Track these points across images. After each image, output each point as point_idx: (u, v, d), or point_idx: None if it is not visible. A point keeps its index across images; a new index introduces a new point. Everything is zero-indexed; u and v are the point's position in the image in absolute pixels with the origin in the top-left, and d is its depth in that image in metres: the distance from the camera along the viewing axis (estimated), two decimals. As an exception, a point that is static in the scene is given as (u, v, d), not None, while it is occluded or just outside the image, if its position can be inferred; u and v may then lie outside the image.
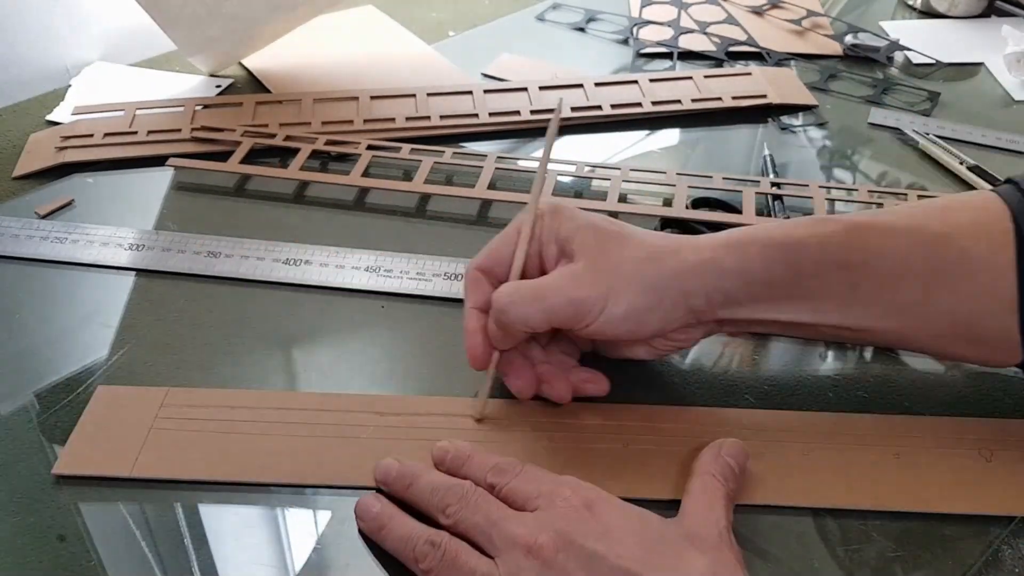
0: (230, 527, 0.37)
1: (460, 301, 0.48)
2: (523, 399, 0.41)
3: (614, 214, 0.57)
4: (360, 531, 0.36)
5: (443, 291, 0.50)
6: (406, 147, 0.61)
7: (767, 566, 0.36)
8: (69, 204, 0.57)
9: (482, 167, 0.59)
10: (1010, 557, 0.36)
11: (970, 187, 0.60)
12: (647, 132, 0.67)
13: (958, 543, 0.36)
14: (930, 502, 0.38)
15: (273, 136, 0.62)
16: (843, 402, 0.43)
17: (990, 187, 0.42)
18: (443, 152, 0.61)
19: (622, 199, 0.57)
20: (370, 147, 0.61)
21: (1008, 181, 0.40)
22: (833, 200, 0.59)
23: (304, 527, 0.37)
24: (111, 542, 0.36)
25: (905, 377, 0.45)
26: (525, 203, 0.55)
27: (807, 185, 0.58)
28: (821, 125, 0.68)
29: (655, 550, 0.32)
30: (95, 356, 0.46)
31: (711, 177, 0.59)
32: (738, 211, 0.55)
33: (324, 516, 0.37)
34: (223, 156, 0.61)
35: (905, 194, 0.58)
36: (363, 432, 0.40)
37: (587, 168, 0.60)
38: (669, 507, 0.36)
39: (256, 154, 0.62)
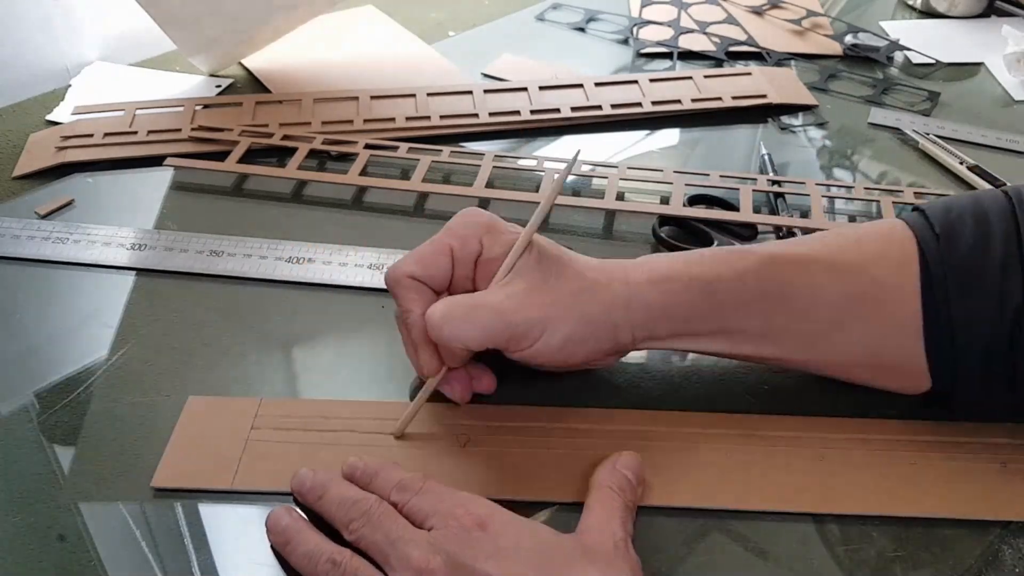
0: (230, 527, 0.38)
1: None
2: (460, 403, 0.41)
3: (612, 212, 0.57)
4: (271, 546, 0.36)
5: None
6: (404, 146, 0.61)
7: (767, 566, 0.36)
8: (69, 204, 0.57)
9: (480, 166, 0.59)
10: (1010, 557, 0.36)
11: (970, 187, 0.60)
12: (647, 132, 0.67)
13: (958, 543, 0.36)
14: (935, 506, 0.38)
15: (271, 136, 0.62)
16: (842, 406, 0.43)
17: (911, 210, 0.42)
18: (441, 151, 0.61)
19: (619, 197, 0.57)
20: (368, 146, 0.61)
21: (915, 209, 0.41)
22: (833, 198, 0.59)
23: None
24: (111, 542, 0.36)
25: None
26: (522, 201, 0.57)
27: (804, 183, 0.58)
28: (821, 125, 0.68)
29: (548, 566, 0.32)
30: (95, 356, 0.46)
31: (708, 175, 0.59)
32: (735, 208, 0.55)
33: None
34: (222, 156, 0.61)
35: (901, 190, 0.58)
36: (461, 439, 0.40)
37: (584, 167, 0.60)
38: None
39: (255, 153, 0.62)
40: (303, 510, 0.37)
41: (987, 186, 0.59)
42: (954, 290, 0.38)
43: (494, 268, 0.40)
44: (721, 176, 0.59)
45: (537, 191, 0.57)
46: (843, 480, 0.38)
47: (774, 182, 0.59)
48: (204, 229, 0.54)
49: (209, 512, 0.38)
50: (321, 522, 0.36)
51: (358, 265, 0.51)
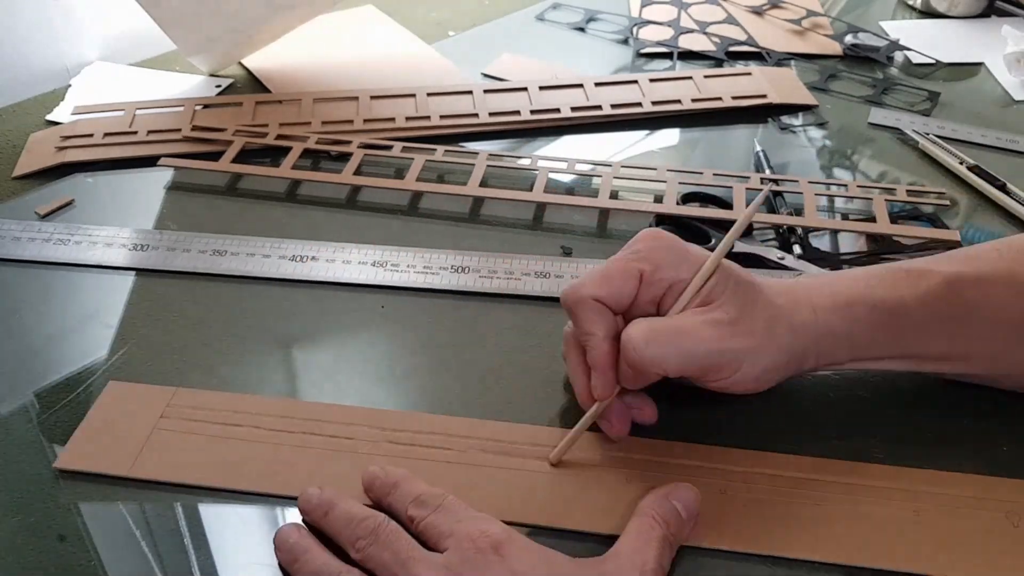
0: (230, 527, 0.37)
1: (470, 294, 0.49)
2: (615, 439, 0.40)
3: (605, 211, 0.57)
4: (279, 563, 0.35)
5: (451, 284, 0.50)
6: (398, 145, 0.62)
7: None
8: (69, 204, 0.57)
9: (474, 164, 0.59)
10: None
11: (970, 187, 0.60)
12: (647, 132, 0.67)
13: None
14: (951, 565, 0.35)
15: (264, 135, 0.62)
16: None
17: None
18: (435, 150, 0.61)
19: (613, 196, 0.57)
20: (362, 145, 0.61)
21: None
22: (827, 196, 0.59)
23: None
24: (111, 542, 0.36)
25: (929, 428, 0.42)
26: (516, 200, 0.57)
27: (797, 181, 0.58)
28: (821, 125, 0.68)
29: None
30: (95, 356, 0.46)
31: (701, 173, 0.59)
32: (729, 206, 0.55)
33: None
34: (220, 156, 0.61)
35: (894, 189, 0.58)
36: (362, 447, 0.40)
37: (578, 165, 0.60)
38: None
39: (252, 153, 0.62)
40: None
41: (987, 186, 0.59)
42: None
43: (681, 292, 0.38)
44: (715, 174, 0.59)
45: (531, 190, 0.57)
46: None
47: (767, 180, 0.59)
48: (204, 229, 0.54)
49: (209, 511, 0.38)
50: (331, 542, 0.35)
51: (361, 263, 0.52)
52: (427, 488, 0.36)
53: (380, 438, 0.40)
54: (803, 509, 0.37)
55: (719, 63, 0.77)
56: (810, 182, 0.58)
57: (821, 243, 0.55)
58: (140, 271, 0.51)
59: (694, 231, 0.54)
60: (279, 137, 0.62)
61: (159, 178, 0.60)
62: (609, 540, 0.35)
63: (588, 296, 0.38)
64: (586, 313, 0.38)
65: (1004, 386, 0.42)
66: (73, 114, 0.66)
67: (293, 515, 0.37)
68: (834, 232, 0.56)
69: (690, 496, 0.36)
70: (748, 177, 0.59)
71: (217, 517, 0.38)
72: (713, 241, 0.38)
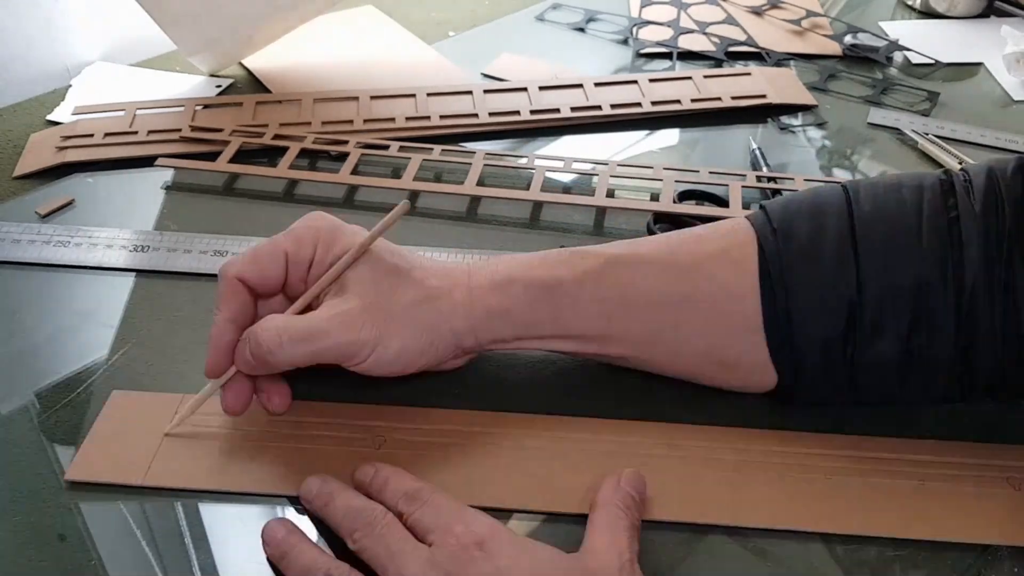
0: (230, 527, 0.38)
1: None
2: (232, 415, 0.40)
3: (602, 209, 0.57)
4: (267, 558, 0.35)
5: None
6: (395, 145, 0.62)
7: (767, 565, 0.36)
8: (69, 204, 0.57)
9: (471, 164, 0.59)
10: (1009, 557, 0.36)
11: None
12: (647, 132, 0.67)
13: (958, 544, 0.36)
14: (954, 531, 0.37)
15: (262, 135, 0.62)
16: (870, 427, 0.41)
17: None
18: (432, 149, 0.61)
19: (610, 194, 0.57)
20: (359, 145, 0.62)
21: (761, 207, 0.41)
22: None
23: (303, 527, 0.37)
24: (111, 542, 0.37)
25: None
26: (513, 199, 0.57)
27: (793, 179, 0.59)
28: (820, 125, 0.68)
29: None
30: (95, 356, 0.46)
31: (698, 171, 0.59)
32: (725, 204, 0.55)
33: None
34: (219, 156, 0.61)
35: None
36: (371, 444, 0.40)
37: (575, 164, 0.60)
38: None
39: (251, 153, 0.62)
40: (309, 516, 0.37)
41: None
42: (791, 285, 0.38)
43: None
44: (711, 172, 0.59)
45: (528, 188, 0.57)
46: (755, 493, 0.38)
47: (763, 178, 0.59)
48: (204, 229, 0.54)
49: (208, 509, 0.38)
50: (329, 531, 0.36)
51: None
52: (416, 483, 0.36)
53: (391, 434, 0.41)
54: (814, 484, 0.38)
55: (719, 63, 0.77)
56: (806, 180, 0.58)
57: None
58: (140, 272, 0.51)
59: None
60: (276, 137, 0.62)
61: (159, 178, 0.60)
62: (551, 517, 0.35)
63: (232, 274, 0.39)
64: (222, 289, 0.39)
65: (665, 372, 0.42)
66: (73, 114, 0.66)
67: (291, 512, 0.37)
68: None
69: (640, 480, 0.37)
70: (744, 175, 0.59)
71: (217, 517, 0.38)
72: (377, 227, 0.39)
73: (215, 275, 0.50)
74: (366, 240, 0.39)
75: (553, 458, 0.39)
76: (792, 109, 0.70)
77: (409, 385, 0.42)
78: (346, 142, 0.62)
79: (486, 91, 0.69)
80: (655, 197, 0.57)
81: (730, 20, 0.83)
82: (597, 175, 0.59)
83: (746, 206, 0.56)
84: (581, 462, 0.39)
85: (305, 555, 0.34)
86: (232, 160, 0.60)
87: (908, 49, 0.78)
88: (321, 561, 0.34)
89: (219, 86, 0.71)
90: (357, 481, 0.37)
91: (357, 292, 0.38)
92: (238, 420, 0.41)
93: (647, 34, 0.81)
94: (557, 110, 0.66)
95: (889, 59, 0.78)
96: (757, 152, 0.62)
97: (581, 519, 0.36)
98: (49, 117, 0.67)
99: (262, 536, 0.36)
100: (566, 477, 0.38)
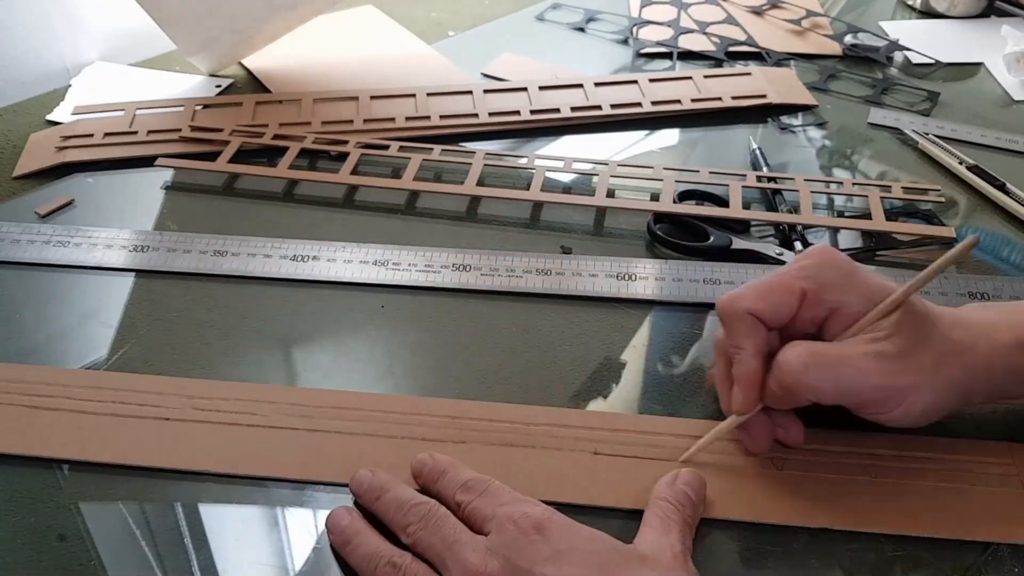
0: (230, 527, 0.38)
1: (472, 292, 0.50)
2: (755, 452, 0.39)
3: (602, 209, 0.57)
4: (331, 544, 0.36)
5: (453, 282, 0.50)
6: (395, 144, 0.62)
7: (767, 562, 0.36)
8: (69, 204, 0.57)
9: (471, 164, 0.59)
10: (1009, 557, 0.36)
11: (970, 187, 0.60)
12: (647, 132, 0.67)
13: (957, 543, 0.36)
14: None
15: (261, 135, 0.62)
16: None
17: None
18: (432, 149, 0.61)
19: (610, 194, 0.57)
20: (359, 144, 0.62)
21: None
22: (824, 194, 0.59)
23: (304, 526, 0.37)
24: (111, 542, 0.37)
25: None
26: (513, 199, 0.57)
27: (793, 179, 0.59)
28: (820, 125, 0.68)
29: (605, 570, 0.32)
30: (95, 356, 0.46)
31: (698, 171, 0.59)
32: (725, 204, 0.55)
33: (323, 516, 0.37)
34: (219, 156, 0.61)
35: (889, 186, 0.58)
36: (171, 414, 0.41)
37: (575, 164, 0.60)
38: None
39: (251, 153, 0.62)
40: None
41: (987, 186, 0.59)
42: None
43: (852, 320, 0.37)
44: (711, 172, 0.59)
45: (528, 188, 0.57)
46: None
47: (763, 178, 0.59)
48: (204, 229, 0.55)
49: (209, 510, 0.38)
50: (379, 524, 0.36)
51: (363, 262, 0.52)
52: (473, 474, 0.36)
53: (187, 405, 0.42)
54: (853, 484, 0.38)
55: (719, 63, 0.77)
56: (806, 179, 0.58)
57: (821, 240, 0.55)
58: (140, 272, 0.51)
59: (691, 228, 0.54)
60: (276, 137, 0.62)
61: (159, 178, 0.60)
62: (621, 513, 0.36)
63: (743, 309, 0.37)
64: (739, 325, 0.37)
65: None
66: (73, 114, 0.66)
67: (292, 507, 0.37)
68: (833, 230, 0.56)
69: (696, 480, 0.37)
70: (744, 175, 0.59)
71: (217, 516, 0.38)
72: (898, 283, 0.36)
73: (214, 275, 0.51)
74: (914, 283, 0.36)
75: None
76: (792, 109, 0.70)
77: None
78: (346, 142, 0.62)
79: (486, 91, 0.69)
80: (655, 197, 0.57)
81: (730, 20, 0.83)
82: (597, 175, 0.59)
83: (746, 205, 0.56)
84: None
85: (369, 543, 0.34)
86: (232, 160, 0.60)
87: (908, 49, 0.78)
88: (384, 549, 0.34)
89: (219, 86, 0.71)
90: (413, 470, 0.38)
91: (892, 337, 0.35)
92: (36, 387, 0.43)
93: (647, 34, 0.81)
94: (557, 110, 0.66)
95: (889, 59, 0.78)
96: (757, 152, 0.62)
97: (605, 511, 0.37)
98: (49, 117, 0.67)
99: (326, 524, 0.36)
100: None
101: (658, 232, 0.54)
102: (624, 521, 0.37)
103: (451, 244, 0.54)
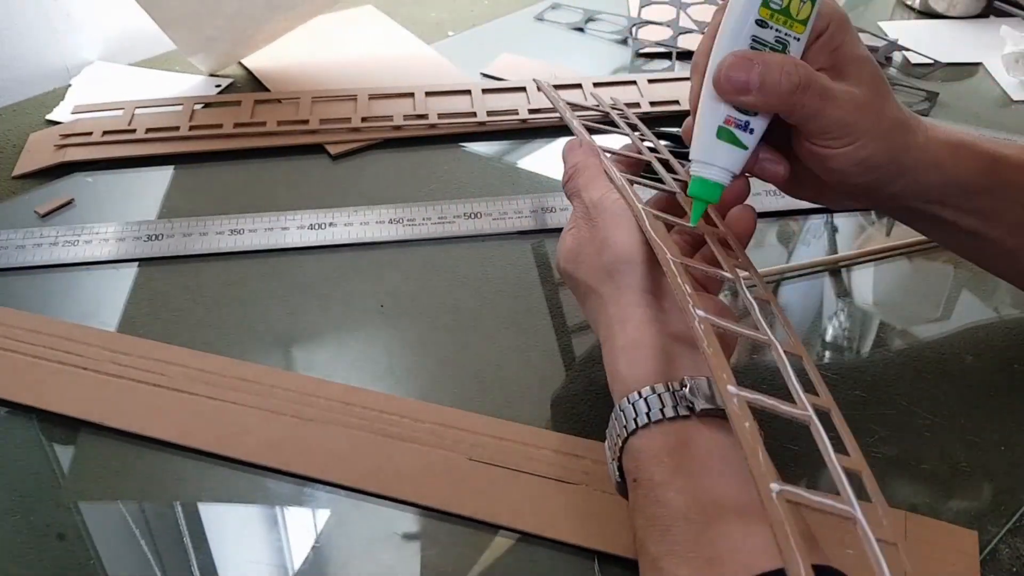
0: (229, 526, 0.38)
1: (485, 236, 0.51)
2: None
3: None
4: None
5: (467, 230, 0.55)
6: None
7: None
8: (69, 203, 0.57)
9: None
10: (1007, 556, 0.36)
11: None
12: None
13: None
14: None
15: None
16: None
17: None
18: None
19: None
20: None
21: None
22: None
23: (304, 526, 0.37)
24: (110, 542, 0.37)
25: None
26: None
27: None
28: (820, 125, 0.68)
29: None
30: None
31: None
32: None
33: (323, 515, 0.38)
34: (221, 155, 0.61)
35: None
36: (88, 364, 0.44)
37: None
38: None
39: (253, 153, 0.62)
40: None
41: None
42: None
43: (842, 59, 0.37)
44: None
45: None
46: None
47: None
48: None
49: (208, 510, 0.38)
50: None
51: (379, 222, 0.55)
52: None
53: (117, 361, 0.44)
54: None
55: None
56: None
57: (820, 242, 0.55)
58: (147, 262, 0.52)
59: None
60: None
61: (159, 177, 0.60)
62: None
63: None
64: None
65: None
66: (72, 113, 0.66)
67: (292, 506, 0.37)
68: (832, 230, 0.56)
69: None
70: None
71: (217, 516, 0.38)
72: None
73: (214, 277, 0.51)
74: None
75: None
76: (791, 109, 0.69)
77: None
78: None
79: (485, 90, 0.69)
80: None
81: (729, 20, 0.83)
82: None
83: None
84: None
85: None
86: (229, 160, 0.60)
87: (907, 49, 0.78)
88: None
89: (218, 86, 0.71)
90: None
91: (861, 86, 0.36)
92: (28, 335, 0.45)
93: (646, 34, 0.81)
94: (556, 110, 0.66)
95: (888, 59, 0.78)
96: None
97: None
98: (48, 116, 0.67)
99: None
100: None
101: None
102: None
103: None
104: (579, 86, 0.69)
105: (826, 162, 0.37)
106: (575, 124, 0.46)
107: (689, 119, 0.39)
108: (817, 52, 0.37)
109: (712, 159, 0.36)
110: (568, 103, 0.50)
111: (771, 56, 0.35)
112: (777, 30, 0.35)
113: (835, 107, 0.35)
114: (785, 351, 0.32)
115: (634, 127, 0.50)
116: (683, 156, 0.55)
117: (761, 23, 0.34)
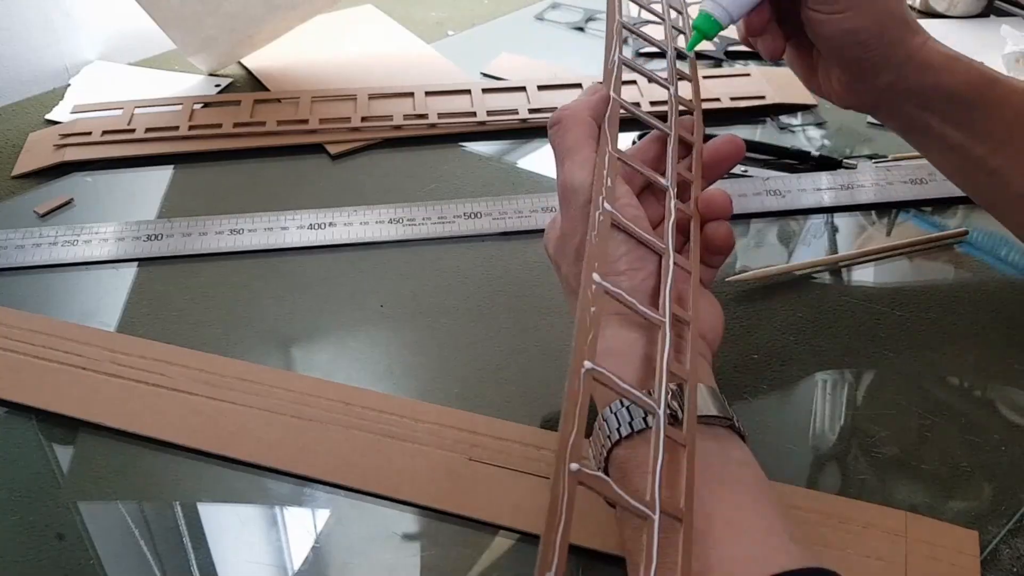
0: (229, 526, 0.38)
1: (485, 236, 0.52)
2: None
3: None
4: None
5: (466, 230, 0.55)
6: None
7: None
8: (68, 203, 0.57)
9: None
10: (1008, 556, 0.36)
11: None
12: (646, 132, 0.67)
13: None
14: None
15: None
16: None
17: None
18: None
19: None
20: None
21: None
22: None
23: (303, 526, 0.37)
24: (110, 541, 0.37)
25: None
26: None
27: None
28: (820, 125, 0.68)
29: None
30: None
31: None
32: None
33: (323, 515, 0.38)
34: (221, 155, 0.61)
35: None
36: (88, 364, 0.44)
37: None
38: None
39: (253, 152, 0.62)
40: None
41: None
42: None
43: None
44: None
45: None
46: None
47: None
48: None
49: (208, 510, 0.38)
50: None
51: (379, 222, 0.55)
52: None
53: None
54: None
55: (718, 63, 0.77)
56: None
57: (820, 242, 0.55)
58: (151, 260, 0.52)
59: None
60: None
61: (158, 176, 0.60)
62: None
63: None
64: None
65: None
66: (72, 113, 0.66)
67: (291, 506, 0.37)
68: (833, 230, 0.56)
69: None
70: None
71: (216, 516, 0.38)
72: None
73: (214, 277, 0.51)
74: None
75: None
76: (792, 108, 0.69)
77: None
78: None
79: (484, 90, 0.69)
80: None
81: (729, 20, 0.83)
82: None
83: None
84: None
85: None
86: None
87: (907, 49, 0.78)
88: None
89: (218, 85, 0.71)
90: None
91: None
92: (23, 334, 0.45)
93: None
94: (555, 109, 0.66)
95: (888, 59, 0.78)
96: (756, 151, 0.63)
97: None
98: (48, 116, 0.67)
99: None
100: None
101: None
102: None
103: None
104: (579, 86, 0.69)
105: (817, 27, 0.40)
106: (615, 70, 0.44)
107: None
108: None
109: None
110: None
111: None
112: None
113: None
114: (676, 264, 0.33)
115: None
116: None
117: None
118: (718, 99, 0.68)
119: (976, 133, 0.41)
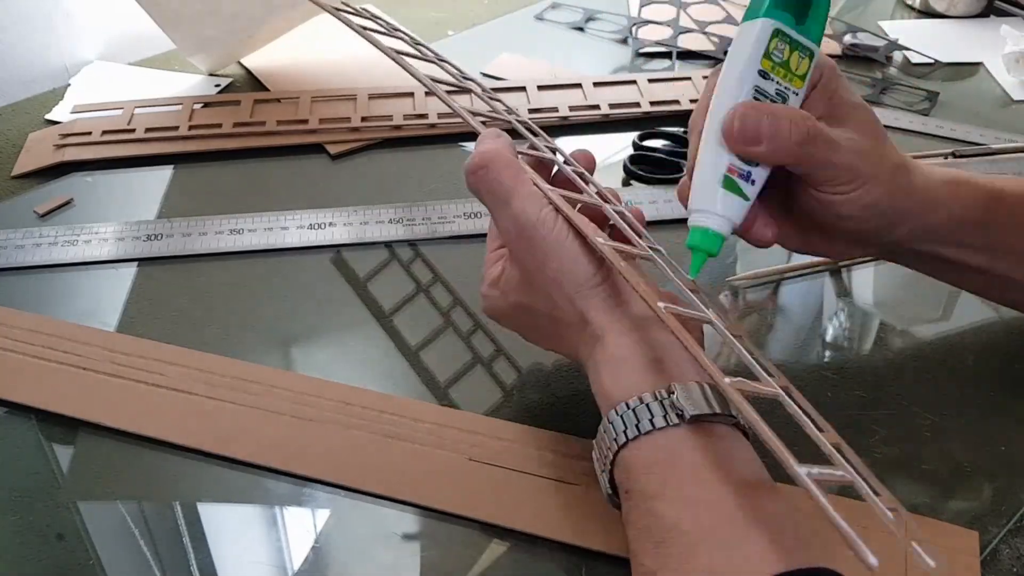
0: (229, 526, 0.38)
1: (483, 236, 0.49)
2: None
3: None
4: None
5: (466, 230, 0.55)
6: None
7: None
8: (68, 203, 0.57)
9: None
10: (1008, 556, 0.36)
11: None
12: (645, 132, 0.67)
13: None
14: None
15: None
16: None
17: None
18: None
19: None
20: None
21: None
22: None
23: (303, 526, 0.37)
24: (110, 541, 0.37)
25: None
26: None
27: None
28: (820, 125, 0.68)
29: None
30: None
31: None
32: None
33: (323, 515, 0.38)
34: (220, 155, 0.61)
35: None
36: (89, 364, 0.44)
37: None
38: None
39: (253, 152, 0.62)
40: None
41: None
42: None
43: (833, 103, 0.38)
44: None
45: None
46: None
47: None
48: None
49: (208, 510, 0.38)
50: None
51: (379, 222, 0.55)
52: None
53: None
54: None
55: (718, 63, 0.77)
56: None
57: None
58: (146, 262, 0.52)
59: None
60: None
61: (158, 176, 0.60)
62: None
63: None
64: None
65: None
66: (72, 113, 0.66)
67: (291, 506, 0.37)
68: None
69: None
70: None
71: (216, 516, 0.38)
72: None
73: (215, 278, 0.51)
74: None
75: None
76: (791, 109, 0.69)
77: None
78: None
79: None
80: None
81: (730, 19, 0.83)
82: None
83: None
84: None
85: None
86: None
87: (908, 48, 0.78)
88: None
89: (218, 85, 0.71)
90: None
91: (860, 131, 0.37)
92: (23, 334, 0.45)
93: (646, 33, 0.81)
94: (556, 109, 0.66)
95: (889, 59, 0.78)
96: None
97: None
98: (48, 116, 0.67)
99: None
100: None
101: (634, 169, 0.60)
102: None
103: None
104: (579, 86, 0.69)
105: (835, 208, 0.37)
106: (474, 122, 0.45)
107: (684, 180, 0.38)
108: (815, 101, 0.37)
109: (714, 208, 0.35)
110: (468, 110, 0.48)
111: (778, 107, 0.35)
112: (778, 83, 0.35)
113: (841, 155, 0.35)
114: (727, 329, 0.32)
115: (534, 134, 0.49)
116: (682, 156, 0.56)
117: (764, 75, 0.35)
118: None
119: (995, 251, 0.40)
